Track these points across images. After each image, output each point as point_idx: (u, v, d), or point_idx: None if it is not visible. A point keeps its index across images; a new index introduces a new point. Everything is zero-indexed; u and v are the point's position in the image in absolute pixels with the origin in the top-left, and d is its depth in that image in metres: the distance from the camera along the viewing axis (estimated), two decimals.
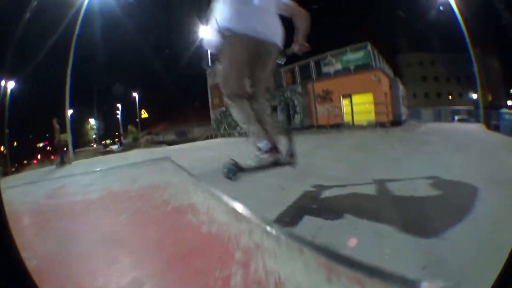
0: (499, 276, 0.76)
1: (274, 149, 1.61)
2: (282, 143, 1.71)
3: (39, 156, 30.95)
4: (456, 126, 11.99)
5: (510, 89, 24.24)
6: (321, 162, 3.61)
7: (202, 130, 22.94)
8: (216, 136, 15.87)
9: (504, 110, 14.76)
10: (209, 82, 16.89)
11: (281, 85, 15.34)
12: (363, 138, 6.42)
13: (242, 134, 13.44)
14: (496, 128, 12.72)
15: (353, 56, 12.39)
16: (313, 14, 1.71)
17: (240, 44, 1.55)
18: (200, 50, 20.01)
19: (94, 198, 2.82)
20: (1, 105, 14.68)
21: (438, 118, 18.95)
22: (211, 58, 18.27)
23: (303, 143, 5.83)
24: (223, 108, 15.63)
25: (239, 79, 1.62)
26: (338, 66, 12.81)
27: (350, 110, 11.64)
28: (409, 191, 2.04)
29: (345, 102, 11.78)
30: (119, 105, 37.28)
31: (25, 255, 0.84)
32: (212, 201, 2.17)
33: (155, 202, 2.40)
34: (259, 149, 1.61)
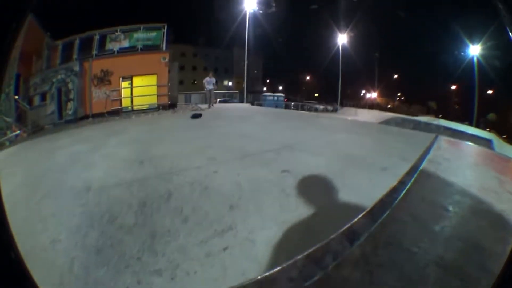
0: (499, 276, 0.75)
1: None
2: None
3: None
4: (229, 106, 14.95)
5: (266, 79, 37.19)
6: None
7: None
8: None
9: (266, 93, 22.93)
10: None
11: (54, 64, 11.29)
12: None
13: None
14: (259, 105, 18.53)
15: (145, 35, 12.10)
16: None
17: None
18: None
19: None
20: None
21: (202, 101, 24.36)
22: None
23: None
24: None
25: None
26: (125, 44, 11.95)
27: (129, 94, 11.51)
28: None
29: (124, 85, 11.49)
30: None
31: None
32: None
33: None
34: None
